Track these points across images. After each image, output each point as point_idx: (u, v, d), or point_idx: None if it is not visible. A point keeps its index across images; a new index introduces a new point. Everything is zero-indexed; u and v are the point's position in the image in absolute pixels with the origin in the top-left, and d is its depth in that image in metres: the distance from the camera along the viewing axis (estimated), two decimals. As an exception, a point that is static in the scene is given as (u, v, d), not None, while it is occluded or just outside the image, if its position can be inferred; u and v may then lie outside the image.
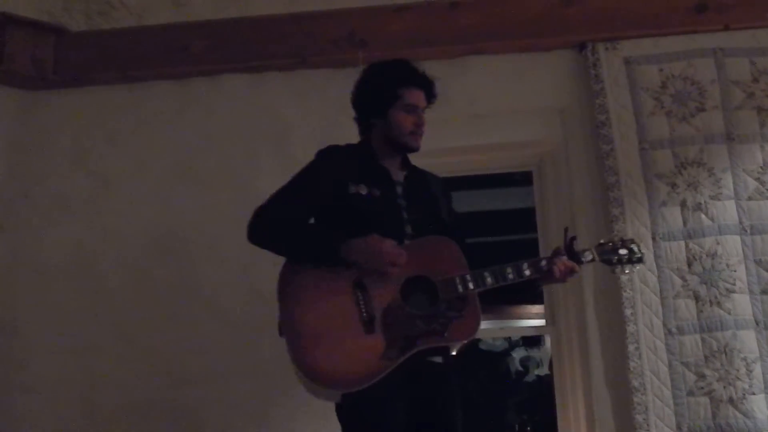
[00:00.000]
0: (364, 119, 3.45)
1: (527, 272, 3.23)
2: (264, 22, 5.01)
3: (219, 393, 4.63)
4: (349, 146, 3.43)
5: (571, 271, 3.29)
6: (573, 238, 3.37)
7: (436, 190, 3.51)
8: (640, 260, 3.47)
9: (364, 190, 3.23)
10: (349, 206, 3.20)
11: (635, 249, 3.45)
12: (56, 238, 4.94)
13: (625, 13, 4.82)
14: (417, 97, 3.34)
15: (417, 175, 3.47)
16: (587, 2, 4.86)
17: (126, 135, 5.07)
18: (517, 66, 4.95)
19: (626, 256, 3.42)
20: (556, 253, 3.32)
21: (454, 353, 3.21)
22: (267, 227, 3.21)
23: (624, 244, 3.46)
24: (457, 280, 3.14)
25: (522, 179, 5.96)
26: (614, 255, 3.42)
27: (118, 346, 4.75)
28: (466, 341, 3.14)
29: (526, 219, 5.47)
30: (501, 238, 8.31)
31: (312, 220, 3.34)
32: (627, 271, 3.54)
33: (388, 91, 3.33)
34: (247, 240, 3.23)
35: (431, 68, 4.83)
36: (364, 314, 3.05)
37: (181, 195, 4.93)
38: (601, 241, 3.51)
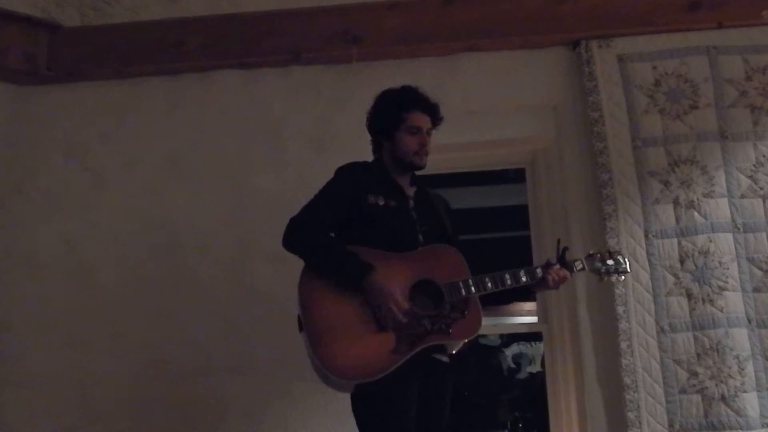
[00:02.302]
0: (375, 141, 3.71)
1: (524, 279, 3.51)
2: (257, 18, 5.01)
3: (212, 388, 4.63)
4: (365, 163, 3.69)
5: (563, 279, 3.56)
6: (565, 249, 3.63)
7: (438, 207, 3.76)
8: (625, 271, 3.74)
9: (381, 201, 3.51)
10: (369, 215, 3.47)
11: (621, 260, 3.74)
12: (49, 234, 4.93)
13: (618, 10, 4.83)
14: (421, 119, 3.59)
15: (423, 193, 3.75)
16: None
17: (119, 131, 5.06)
18: (510, 63, 4.95)
19: (613, 267, 3.71)
20: (549, 263, 3.57)
21: (453, 352, 3.48)
22: (301, 239, 3.43)
23: (611, 255, 3.74)
24: (461, 284, 3.40)
25: (515, 176, 5.96)
26: (602, 265, 3.70)
27: (111, 341, 4.74)
28: (468, 339, 3.39)
29: (518, 216, 5.47)
30: (494, 234, 8.32)
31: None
32: (613, 280, 3.86)
33: (394, 114, 3.59)
34: (282, 246, 3.44)
35: (425, 65, 4.89)
36: (377, 313, 3.28)
37: (174, 191, 4.93)
38: (591, 252, 3.75)
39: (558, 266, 3.55)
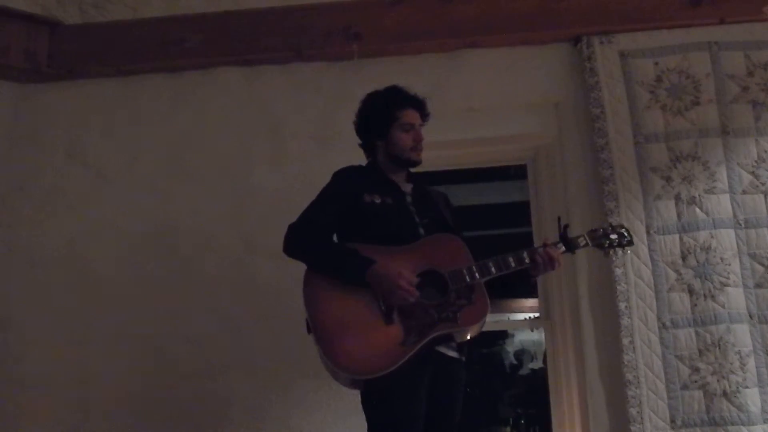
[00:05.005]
0: (368, 142, 3.73)
1: (527, 260, 3.47)
2: (259, 15, 5.01)
3: (214, 387, 4.63)
4: (360, 166, 3.72)
5: (551, 259, 3.47)
6: (566, 226, 3.61)
7: (438, 201, 3.77)
8: (630, 243, 3.70)
9: (378, 199, 3.53)
10: (366, 214, 3.49)
11: (624, 233, 3.70)
12: (51, 231, 4.93)
13: (620, 6, 4.82)
14: (412, 116, 3.63)
15: (421, 188, 3.76)
16: (582, -4, 4.87)
17: (120, 128, 5.06)
18: (511, 60, 4.95)
19: (617, 240, 3.67)
20: (546, 244, 3.53)
21: (461, 341, 3.44)
22: (300, 243, 3.44)
23: (614, 229, 3.71)
24: (464, 271, 3.38)
25: (517, 173, 5.96)
26: (605, 240, 3.66)
27: (113, 339, 4.74)
28: (476, 326, 3.36)
29: (520, 212, 5.47)
30: (495, 231, 8.32)
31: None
32: (619, 254, 3.91)
33: (386, 114, 3.63)
34: (283, 252, 3.45)
35: (426, 62, 4.90)
36: (383, 306, 3.28)
37: (176, 188, 4.93)
38: (593, 228, 3.71)
39: (554, 245, 3.51)
